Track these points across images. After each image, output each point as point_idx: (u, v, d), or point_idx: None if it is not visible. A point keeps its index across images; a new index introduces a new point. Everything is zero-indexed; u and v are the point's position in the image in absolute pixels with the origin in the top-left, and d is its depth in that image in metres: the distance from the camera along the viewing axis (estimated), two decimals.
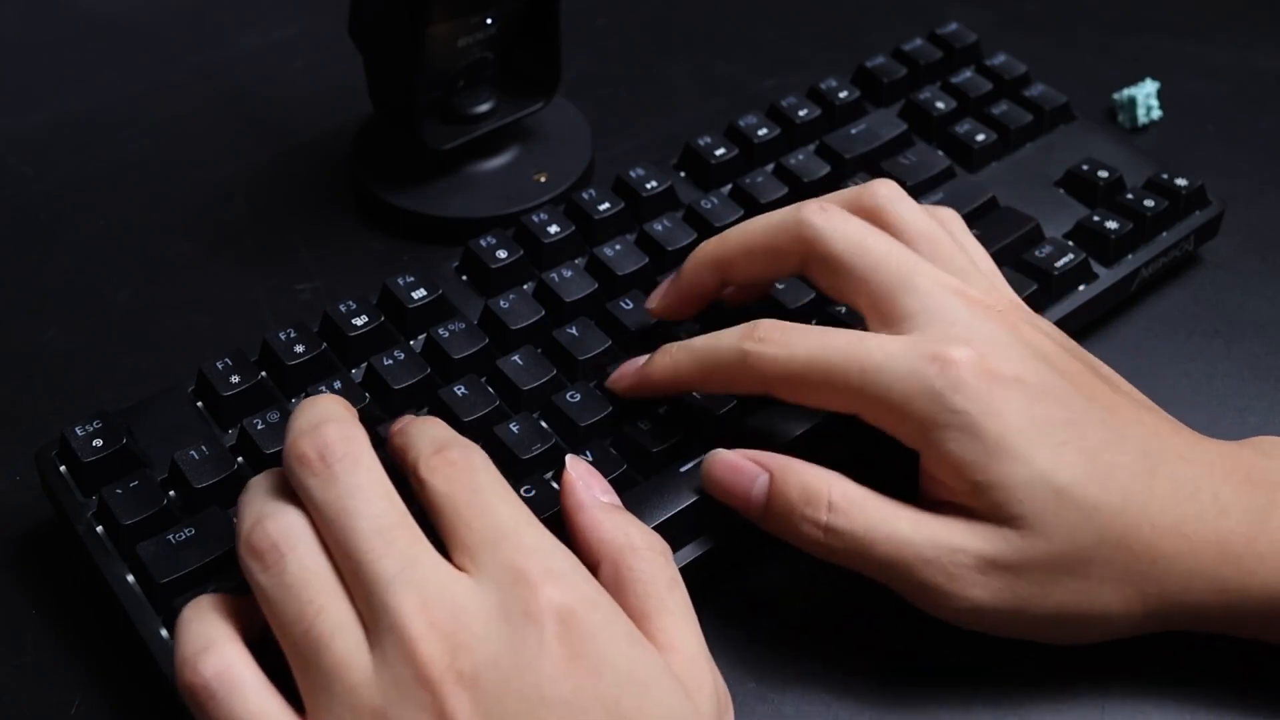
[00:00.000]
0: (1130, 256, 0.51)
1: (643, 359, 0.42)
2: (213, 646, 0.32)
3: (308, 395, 0.42)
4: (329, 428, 0.33)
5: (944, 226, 0.42)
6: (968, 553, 0.36)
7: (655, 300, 0.45)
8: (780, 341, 0.38)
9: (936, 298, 0.38)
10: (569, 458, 0.38)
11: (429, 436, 0.35)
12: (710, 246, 0.43)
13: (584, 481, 0.37)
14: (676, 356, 0.41)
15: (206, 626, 0.33)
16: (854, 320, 0.45)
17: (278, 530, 0.32)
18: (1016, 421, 0.36)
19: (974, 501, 0.37)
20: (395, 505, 0.33)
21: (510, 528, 0.32)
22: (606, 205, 0.50)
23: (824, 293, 0.41)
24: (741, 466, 0.39)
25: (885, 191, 0.42)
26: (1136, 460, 0.37)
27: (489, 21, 0.52)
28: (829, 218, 0.40)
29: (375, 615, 0.31)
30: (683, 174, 0.53)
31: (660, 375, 0.41)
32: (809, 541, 0.38)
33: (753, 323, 0.39)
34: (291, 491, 0.34)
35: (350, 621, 0.31)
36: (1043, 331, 0.40)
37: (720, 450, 0.40)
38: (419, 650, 0.30)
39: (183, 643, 0.32)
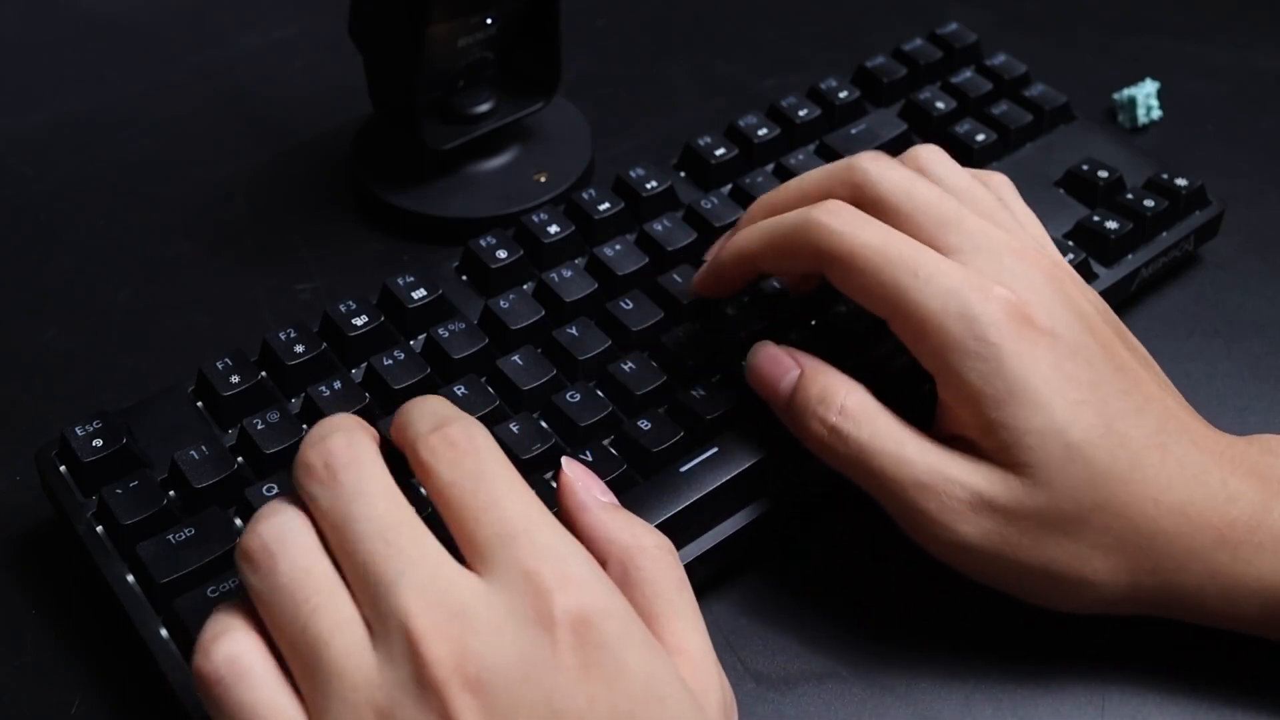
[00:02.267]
0: (1130, 256, 0.51)
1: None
2: (227, 634, 0.32)
3: (308, 395, 0.43)
4: (334, 438, 0.33)
5: (995, 191, 0.43)
6: (965, 487, 0.37)
7: (711, 252, 0.46)
8: (848, 219, 0.39)
9: (984, 239, 0.39)
10: (564, 460, 0.37)
11: (428, 413, 0.34)
12: (767, 195, 0.44)
13: (582, 483, 0.36)
14: (744, 234, 0.42)
15: (226, 616, 0.32)
16: (856, 322, 0.45)
17: (268, 531, 0.32)
18: (1041, 371, 0.37)
19: (983, 439, 0.37)
20: (400, 507, 0.32)
21: (522, 526, 0.31)
22: (606, 205, 0.50)
23: None
24: (780, 359, 0.41)
25: (927, 154, 0.43)
26: (1151, 435, 0.37)
27: (489, 21, 0.52)
28: (880, 163, 0.41)
29: (380, 617, 0.30)
30: (683, 174, 0.53)
31: (730, 254, 0.43)
32: (816, 440, 0.39)
33: (838, 182, 0.41)
34: (292, 501, 0.33)
35: (351, 619, 0.31)
36: (1085, 295, 0.40)
37: (766, 341, 0.42)
38: (424, 650, 0.29)
39: (203, 631, 0.32)
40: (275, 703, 0.31)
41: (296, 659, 0.31)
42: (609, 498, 0.37)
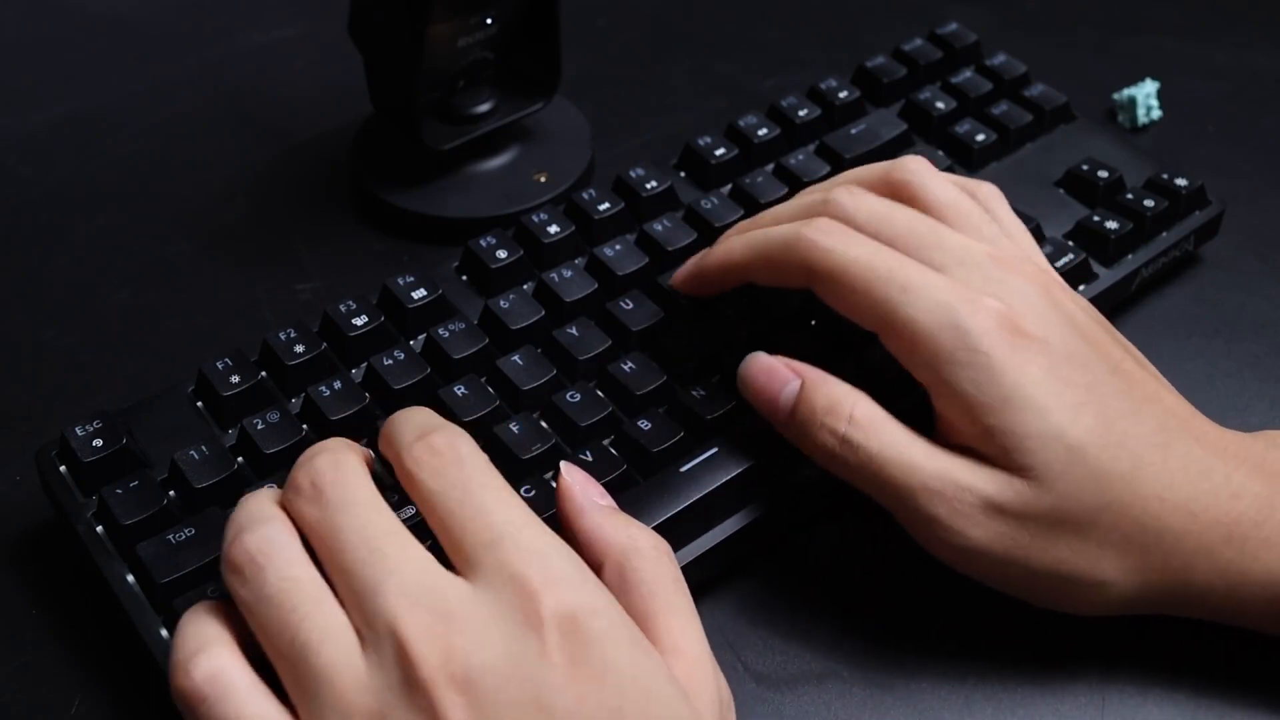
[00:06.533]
0: (1130, 256, 0.51)
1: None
2: (205, 650, 0.32)
3: (308, 395, 0.43)
4: (321, 458, 0.33)
5: (983, 201, 0.43)
6: (975, 491, 0.37)
7: (682, 273, 0.45)
8: (837, 235, 0.39)
9: (966, 254, 0.39)
10: (563, 464, 0.37)
11: (411, 424, 0.35)
12: (742, 226, 0.44)
13: (580, 487, 0.37)
14: (732, 242, 0.42)
15: (201, 630, 0.32)
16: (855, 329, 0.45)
17: (255, 543, 0.32)
18: (1035, 377, 0.37)
19: (984, 446, 0.37)
20: (385, 517, 0.32)
21: (507, 530, 0.32)
22: (606, 205, 0.50)
23: None
24: (777, 370, 0.40)
25: (914, 166, 0.42)
26: (1151, 434, 0.37)
27: (489, 21, 0.52)
28: (854, 196, 0.41)
29: (369, 622, 0.30)
30: (683, 174, 0.53)
31: (714, 261, 0.43)
32: (824, 451, 0.39)
33: (814, 216, 0.41)
34: (275, 507, 0.33)
35: (340, 627, 0.31)
36: (1074, 301, 0.40)
37: (759, 353, 0.41)
38: (411, 651, 0.29)
39: (177, 647, 0.32)
40: (262, 714, 0.31)
41: (286, 668, 0.31)
42: (607, 501, 0.37)
